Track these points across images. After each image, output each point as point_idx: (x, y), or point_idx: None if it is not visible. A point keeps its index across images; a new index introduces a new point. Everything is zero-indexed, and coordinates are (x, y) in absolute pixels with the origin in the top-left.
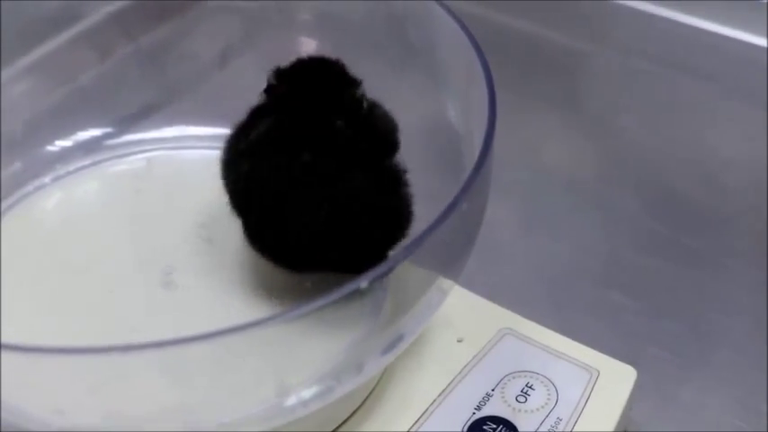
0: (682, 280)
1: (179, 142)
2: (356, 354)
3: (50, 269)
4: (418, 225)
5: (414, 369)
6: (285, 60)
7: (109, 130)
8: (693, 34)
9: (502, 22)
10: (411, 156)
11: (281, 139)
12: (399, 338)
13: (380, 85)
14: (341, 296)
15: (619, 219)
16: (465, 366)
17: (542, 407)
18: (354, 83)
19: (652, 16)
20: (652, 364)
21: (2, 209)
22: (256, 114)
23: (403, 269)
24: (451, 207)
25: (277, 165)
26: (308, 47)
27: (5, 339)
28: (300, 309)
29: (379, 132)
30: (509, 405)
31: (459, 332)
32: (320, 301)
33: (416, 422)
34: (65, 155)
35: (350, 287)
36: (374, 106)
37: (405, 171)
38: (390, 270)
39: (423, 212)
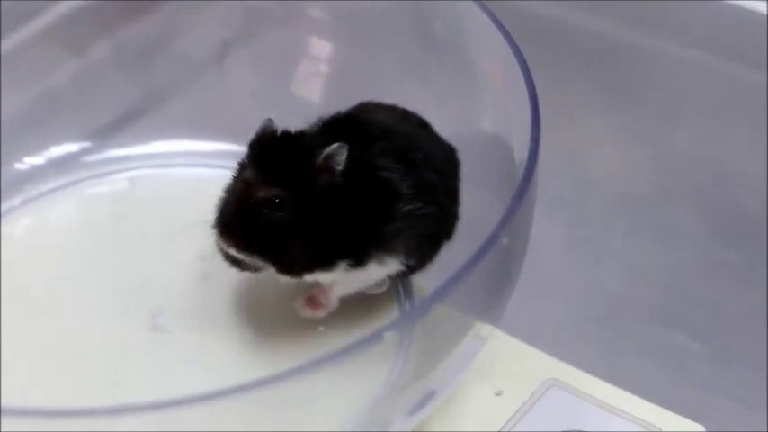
0: (757, 318)
1: (168, 159)
2: (378, 414)
3: (17, 308)
4: (451, 256)
5: (444, 428)
6: (291, 63)
7: (86, 144)
8: (764, 23)
9: (537, 10)
10: None
11: None
12: (430, 395)
13: (403, 90)
14: (359, 348)
15: (681, 243)
16: (505, 425)
17: None
18: None
19: (716, 1)
20: (722, 419)
21: None
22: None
23: (434, 314)
24: (490, 242)
25: None
26: (320, 48)
27: None
28: (311, 364)
29: None
30: None
31: (497, 384)
32: (334, 355)
33: None
34: (35, 174)
35: (371, 337)
36: None
37: None
38: (418, 316)
39: (456, 240)
